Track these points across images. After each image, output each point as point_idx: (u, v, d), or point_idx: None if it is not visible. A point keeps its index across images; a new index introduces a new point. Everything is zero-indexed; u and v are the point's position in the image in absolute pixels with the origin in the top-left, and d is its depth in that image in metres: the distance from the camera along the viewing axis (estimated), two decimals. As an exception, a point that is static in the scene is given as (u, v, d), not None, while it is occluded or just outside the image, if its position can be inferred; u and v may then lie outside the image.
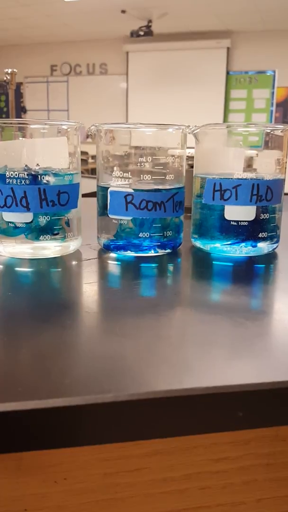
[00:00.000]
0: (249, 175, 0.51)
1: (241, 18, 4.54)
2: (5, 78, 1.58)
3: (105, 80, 5.68)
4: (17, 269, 0.48)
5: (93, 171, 4.19)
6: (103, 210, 0.53)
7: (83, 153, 4.47)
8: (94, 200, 0.55)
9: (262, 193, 0.51)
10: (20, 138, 0.51)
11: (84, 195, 1.02)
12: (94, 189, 0.55)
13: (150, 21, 4.57)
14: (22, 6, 4.20)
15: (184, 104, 5.20)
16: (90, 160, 4.92)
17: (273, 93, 5.21)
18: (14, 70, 1.58)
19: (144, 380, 0.26)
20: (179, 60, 5.30)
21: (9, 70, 1.53)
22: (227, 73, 5.27)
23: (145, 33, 4.67)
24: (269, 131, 0.53)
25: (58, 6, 4.20)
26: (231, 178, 0.51)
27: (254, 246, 0.52)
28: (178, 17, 4.54)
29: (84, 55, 5.65)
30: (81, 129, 0.53)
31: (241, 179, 0.50)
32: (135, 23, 4.58)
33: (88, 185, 0.97)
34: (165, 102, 5.33)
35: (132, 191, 0.50)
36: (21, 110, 5.90)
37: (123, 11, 4.29)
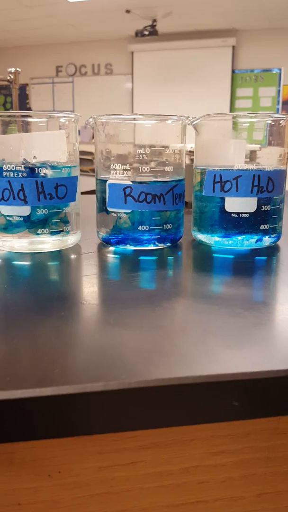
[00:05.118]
0: (249, 166, 0.50)
1: (246, 16, 4.52)
2: (8, 78, 1.58)
3: (111, 80, 5.68)
4: (15, 262, 0.47)
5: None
6: (102, 204, 0.52)
7: (88, 153, 4.47)
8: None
9: (263, 184, 0.50)
10: (17, 132, 0.50)
11: (87, 192, 1.01)
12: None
13: (154, 20, 4.56)
14: (26, 8, 4.20)
15: (189, 103, 5.19)
16: (94, 161, 4.91)
17: (279, 91, 5.18)
18: (18, 69, 1.58)
19: (136, 369, 0.25)
20: (185, 59, 5.28)
21: (13, 70, 1.53)
22: (233, 71, 5.24)
23: (150, 33, 4.65)
24: (270, 121, 0.52)
25: (62, 7, 4.20)
26: (232, 169, 0.50)
27: (256, 239, 0.52)
28: (183, 16, 4.52)
29: (89, 55, 5.65)
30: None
31: (241, 170, 0.50)
32: (140, 22, 4.57)
33: (91, 183, 0.97)
34: (171, 102, 5.32)
35: (131, 183, 0.49)
36: (26, 112, 5.92)
37: (128, 11, 4.29)
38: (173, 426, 0.28)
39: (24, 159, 0.49)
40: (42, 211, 0.49)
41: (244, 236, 0.51)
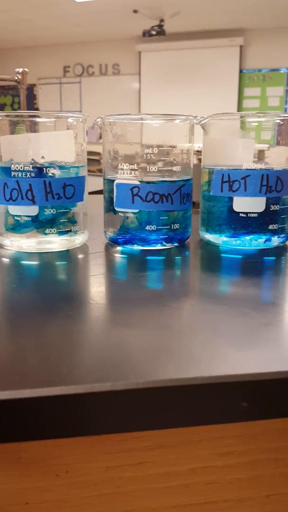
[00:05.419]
0: (258, 165, 0.50)
1: (253, 15, 4.51)
2: (16, 78, 1.59)
3: (118, 81, 5.68)
4: (23, 262, 0.47)
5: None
6: (109, 204, 0.52)
7: (95, 153, 4.48)
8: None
9: (272, 183, 0.50)
10: (25, 132, 0.50)
11: (94, 192, 1.02)
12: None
13: (162, 20, 4.55)
14: (33, 8, 4.22)
15: (197, 103, 5.18)
16: (102, 161, 4.91)
17: (287, 90, 5.16)
18: (25, 69, 1.58)
19: (144, 369, 0.25)
20: (192, 59, 5.27)
21: (20, 70, 1.54)
22: (240, 71, 5.23)
23: (158, 33, 4.65)
24: (279, 121, 0.52)
25: (69, 7, 4.21)
26: (240, 169, 0.50)
27: (264, 239, 0.51)
28: (190, 15, 4.52)
29: (96, 55, 5.66)
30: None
31: (250, 169, 0.49)
32: (147, 22, 4.57)
33: (99, 183, 0.97)
34: (178, 102, 5.31)
35: (138, 183, 0.49)
36: (34, 112, 5.94)
37: (135, 11, 4.29)
38: (181, 426, 0.28)
39: (32, 159, 0.49)
40: (50, 211, 0.49)
41: (252, 236, 0.51)
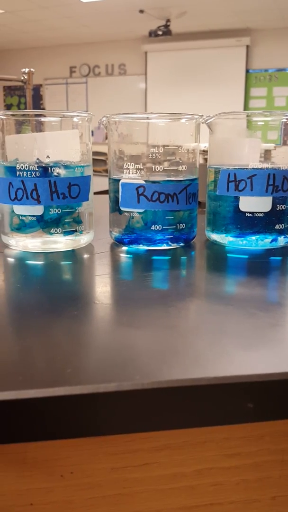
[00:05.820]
0: (264, 165, 0.50)
1: (260, 15, 4.49)
2: (22, 78, 1.59)
3: (124, 81, 5.69)
4: (28, 262, 0.47)
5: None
6: (115, 203, 0.52)
7: (101, 153, 4.48)
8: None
9: (278, 183, 0.49)
10: (31, 132, 0.50)
11: (100, 192, 1.02)
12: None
13: (168, 20, 4.55)
14: (40, 8, 4.23)
15: (203, 104, 5.17)
16: (108, 160, 4.91)
17: (293, 90, 5.14)
18: (32, 69, 1.58)
19: (149, 370, 0.25)
20: (198, 59, 5.27)
21: (26, 70, 1.54)
22: (247, 71, 5.22)
23: (164, 33, 4.65)
24: (285, 120, 0.52)
25: (76, 8, 4.22)
26: (246, 168, 0.49)
27: (270, 239, 0.51)
28: (197, 15, 4.51)
29: (102, 56, 5.67)
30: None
31: (256, 169, 0.49)
32: (154, 22, 4.57)
33: (104, 183, 0.97)
34: (184, 102, 5.31)
35: (144, 182, 0.49)
36: (40, 112, 5.95)
37: (141, 11, 4.29)
38: (187, 427, 0.28)
39: (38, 159, 0.49)
40: (55, 210, 0.49)
41: (258, 236, 0.51)
